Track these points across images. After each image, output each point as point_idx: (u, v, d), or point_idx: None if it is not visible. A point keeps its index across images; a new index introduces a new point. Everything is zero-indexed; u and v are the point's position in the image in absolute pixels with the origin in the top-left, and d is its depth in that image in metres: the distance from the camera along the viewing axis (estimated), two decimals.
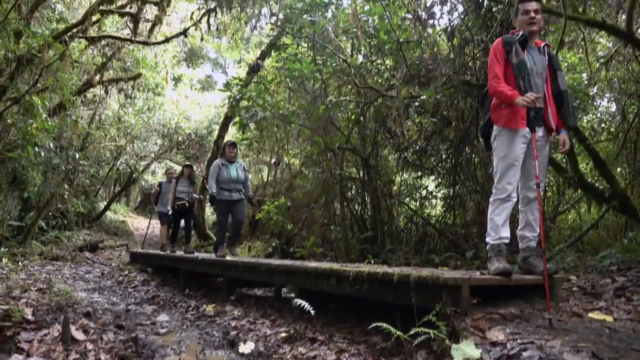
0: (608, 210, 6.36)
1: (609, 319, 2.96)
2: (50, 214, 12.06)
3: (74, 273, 8.98)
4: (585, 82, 8.14)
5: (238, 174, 7.13)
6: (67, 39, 9.73)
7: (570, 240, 6.64)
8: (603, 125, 8.67)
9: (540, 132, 3.48)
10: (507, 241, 3.46)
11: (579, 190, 6.83)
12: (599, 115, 9.02)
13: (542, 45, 3.58)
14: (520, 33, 3.51)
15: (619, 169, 7.76)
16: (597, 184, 6.76)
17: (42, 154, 9.93)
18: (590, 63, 7.74)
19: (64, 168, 11.33)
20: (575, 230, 7.70)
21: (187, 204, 9.16)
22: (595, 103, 8.80)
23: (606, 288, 3.98)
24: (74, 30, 10.02)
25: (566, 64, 8.54)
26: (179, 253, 9.03)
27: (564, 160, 6.83)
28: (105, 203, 18.13)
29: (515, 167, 3.42)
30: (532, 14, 3.48)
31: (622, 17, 6.88)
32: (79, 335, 3.63)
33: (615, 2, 7.14)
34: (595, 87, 8.53)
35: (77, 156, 12.14)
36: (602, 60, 8.01)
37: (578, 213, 8.48)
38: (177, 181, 9.29)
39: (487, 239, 3.52)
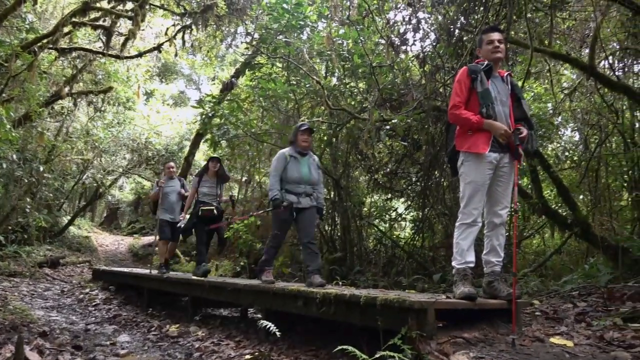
0: (570, 237, 6.53)
1: (570, 344, 3.01)
2: (9, 228, 11.62)
3: (32, 290, 8.65)
4: (551, 111, 8.41)
5: (311, 171, 5.19)
6: (36, 49, 9.56)
7: (534, 265, 6.77)
8: (567, 153, 8.94)
9: (506, 158, 3.57)
10: (472, 265, 3.51)
11: (543, 216, 7.01)
12: (563, 144, 9.31)
13: (505, 74, 3.71)
14: (486, 62, 3.62)
15: (581, 197, 7.99)
16: (560, 211, 6.94)
17: (4, 165, 9.61)
18: (555, 93, 8.01)
19: (26, 181, 10.99)
20: (540, 255, 7.85)
21: (215, 211, 6.96)
22: (559, 132, 9.09)
23: (567, 313, 4.06)
24: (44, 40, 9.85)
25: (532, 94, 8.82)
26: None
27: (529, 187, 7.00)
28: (69, 218, 17.62)
29: (481, 192, 3.49)
30: (497, 43, 3.61)
31: (585, 51, 7.17)
32: (33, 356, 3.48)
33: (579, 37, 7.46)
34: (560, 117, 8.81)
35: (42, 169, 11.80)
36: (566, 91, 8.30)
37: (542, 238, 8.67)
38: (199, 179, 7.12)
39: (453, 263, 3.55)
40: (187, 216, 7.19)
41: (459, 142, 3.63)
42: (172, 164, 8.53)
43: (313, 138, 5.71)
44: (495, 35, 3.64)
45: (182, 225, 7.16)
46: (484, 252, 3.68)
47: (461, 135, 3.63)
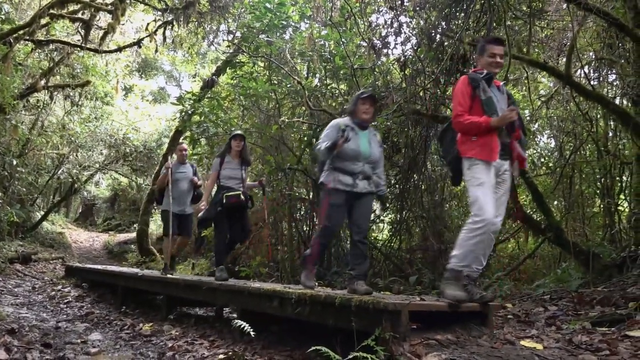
0: (544, 241, 6.65)
1: (539, 347, 3.06)
2: None
3: (2, 286, 8.43)
4: (528, 118, 8.55)
5: (372, 148, 4.24)
6: (12, 40, 9.36)
7: (507, 269, 6.88)
8: (542, 160, 9.11)
9: (506, 165, 3.57)
10: (479, 269, 3.54)
11: (518, 221, 7.12)
12: (539, 150, 9.48)
13: (501, 84, 3.75)
14: (485, 72, 3.62)
15: (555, 202, 8.15)
16: (534, 216, 7.06)
17: None
18: (532, 101, 8.16)
19: None
20: (514, 259, 7.99)
21: (242, 197, 5.74)
22: (536, 139, 9.25)
23: (539, 316, 4.13)
24: (21, 32, 9.65)
25: None
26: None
27: None
28: (42, 213, 17.24)
29: (492, 192, 3.45)
30: (498, 58, 3.60)
31: (562, 60, 7.32)
32: (0, 354, 3.39)
33: (556, 45, 7.61)
34: (537, 124, 8.98)
35: (15, 162, 11.54)
36: (543, 99, 8.46)
37: (517, 242, 8.81)
38: (221, 160, 5.85)
39: (453, 262, 3.51)
40: (204, 204, 5.88)
41: (464, 149, 3.58)
42: (184, 145, 7.41)
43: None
44: (499, 50, 3.61)
45: (201, 215, 5.78)
46: None
47: (465, 142, 3.58)
